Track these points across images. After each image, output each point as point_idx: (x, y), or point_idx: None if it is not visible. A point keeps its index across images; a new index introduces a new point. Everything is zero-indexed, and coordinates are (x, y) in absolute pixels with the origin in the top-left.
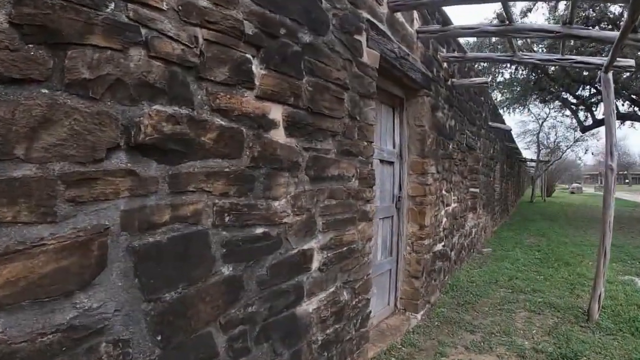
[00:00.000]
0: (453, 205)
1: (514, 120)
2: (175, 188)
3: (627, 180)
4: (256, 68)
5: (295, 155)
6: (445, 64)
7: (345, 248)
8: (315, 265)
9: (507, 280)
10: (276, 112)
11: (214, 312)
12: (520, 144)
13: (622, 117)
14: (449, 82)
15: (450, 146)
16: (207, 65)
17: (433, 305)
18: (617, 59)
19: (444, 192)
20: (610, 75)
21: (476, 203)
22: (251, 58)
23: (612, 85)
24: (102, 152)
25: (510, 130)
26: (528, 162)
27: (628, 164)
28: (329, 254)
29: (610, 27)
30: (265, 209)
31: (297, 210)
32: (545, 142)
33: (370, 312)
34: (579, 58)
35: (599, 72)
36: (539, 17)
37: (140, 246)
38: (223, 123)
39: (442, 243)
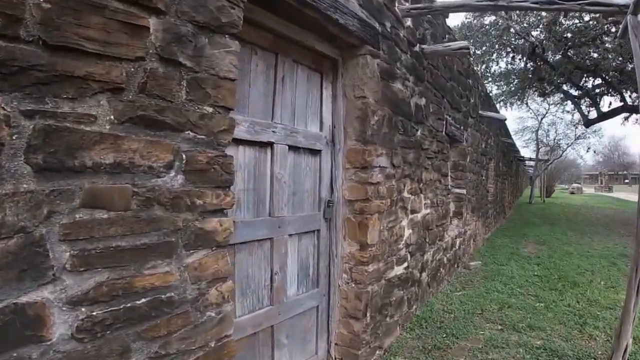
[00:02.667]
0: (424, 211)
1: (511, 116)
2: None
3: (626, 180)
4: None
5: None
6: (409, 22)
7: (143, 300)
8: (60, 331)
9: (496, 310)
10: None
11: None
12: (519, 142)
13: (630, 110)
14: (417, 48)
15: (419, 132)
16: None
17: (387, 352)
18: None
19: (405, 194)
20: None
21: (462, 207)
22: None
23: None
24: None
25: (505, 120)
26: (526, 161)
27: (628, 163)
28: (98, 312)
29: None
30: None
31: None
32: (544, 140)
33: None
34: None
35: (625, 18)
36: None
37: None
38: None
39: (404, 264)
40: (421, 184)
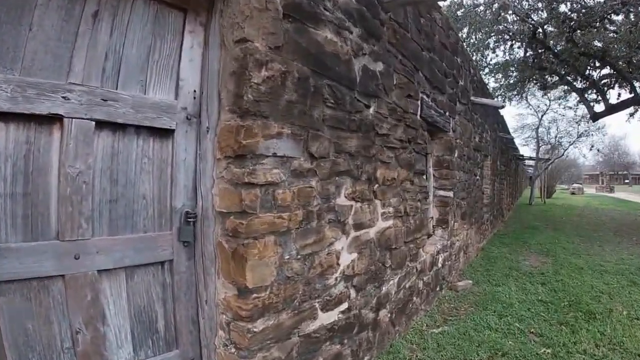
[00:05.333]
0: (382, 224)
1: (510, 113)
2: None
3: (627, 180)
4: None
5: None
6: None
7: None
8: None
9: None
10: None
11: None
12: (518, 140)
13: (638, 103)
14: None
15: (371, 109)
16: None
17: None
18: None
19: (341, 200)
20: None
21: (448, 213)
22: None
23: None
24: None
25: (502, 107)
26: (526, 160)
27: (628, 163)
28: None
29: None
30: None
31: None
32: (545, 138)
33: None
34: None
35: None
36: None
37: None
38: None
39: (342, 306)
40: (375, 186)
